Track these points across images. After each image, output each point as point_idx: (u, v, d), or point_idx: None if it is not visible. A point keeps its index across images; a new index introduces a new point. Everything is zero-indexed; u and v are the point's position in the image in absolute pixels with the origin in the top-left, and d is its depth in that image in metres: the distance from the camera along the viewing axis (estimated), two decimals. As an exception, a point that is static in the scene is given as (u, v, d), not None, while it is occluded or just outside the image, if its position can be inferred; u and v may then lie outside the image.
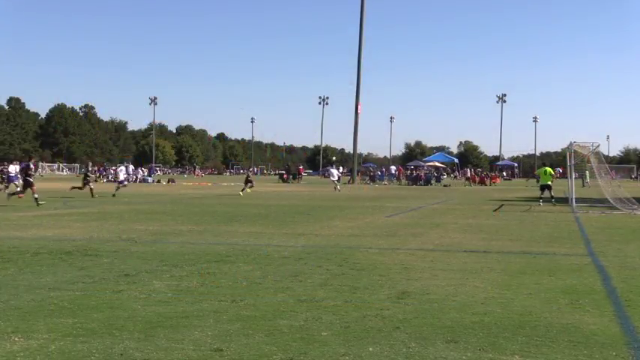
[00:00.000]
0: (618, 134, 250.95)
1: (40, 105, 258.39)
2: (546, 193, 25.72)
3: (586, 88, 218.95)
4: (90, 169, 28.74)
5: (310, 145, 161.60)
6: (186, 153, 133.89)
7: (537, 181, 60.86)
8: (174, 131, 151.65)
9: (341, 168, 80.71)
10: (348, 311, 6.30)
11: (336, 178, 43.32)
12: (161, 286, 7.48)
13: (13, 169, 31.86)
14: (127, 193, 32.27)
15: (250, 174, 37.64)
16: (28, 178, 22.01)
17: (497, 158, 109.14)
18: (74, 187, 28.99)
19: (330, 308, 6.42)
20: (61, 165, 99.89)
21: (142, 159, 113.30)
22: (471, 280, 8.07)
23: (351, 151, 72.22)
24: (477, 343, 5.24)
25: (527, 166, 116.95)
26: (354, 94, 63.88)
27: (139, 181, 57.00)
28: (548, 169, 26.58)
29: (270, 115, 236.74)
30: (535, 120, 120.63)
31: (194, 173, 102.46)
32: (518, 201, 29.12)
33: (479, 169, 77.39)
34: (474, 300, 6.88)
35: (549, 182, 25.66)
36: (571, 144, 25.50)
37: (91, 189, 28.30)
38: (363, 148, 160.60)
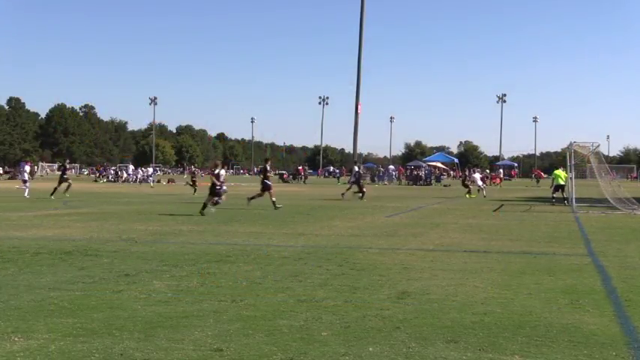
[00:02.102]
0: (618, 134, 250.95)
1: (40, 105, 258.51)
2: (558, 194, 26.66)
3: (586, 88, 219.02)
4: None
5: (310, 145, 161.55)
6: (187, 153, 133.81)
7: (537, 182, 60.83)
8: (175, 131, 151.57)
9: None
10: (348, 311, 6.30)
11: (481, 183, 36.09)
12: (161, 286, 7.48)
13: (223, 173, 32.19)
14: (127, 192, 32.28)
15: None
16: (267, 181, 21.94)
17: (497, 158, 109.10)
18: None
19: (330, 308, 6.43)
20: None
21: (142, 159, 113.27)
22: (471, 280, 8.07)
23: (351, 151, 72.21)
24: (477, 343, 5.24)
25: (528, 166, 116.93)
26: (354, 94, 63.81)
27: (139, 182, 56.97)
28: (564, 173, 27.30)
29: (270, 115, 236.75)
30: (535, 120, 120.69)
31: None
32: (518, 201, 29.14)
33: (479, 169, 77.06)
34: (474, 300, 6.88)
35: (563, 183, 26.68)
36: (571, 144, 25.52)
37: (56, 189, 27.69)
38: (363, 148, 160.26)
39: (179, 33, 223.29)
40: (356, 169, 31.72)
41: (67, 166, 29.13)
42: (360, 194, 28.41)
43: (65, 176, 27.65)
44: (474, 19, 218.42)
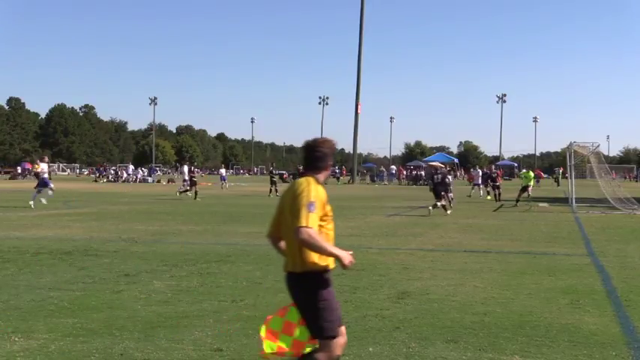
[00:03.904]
0: (618, 134, 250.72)
1: (40, 105, 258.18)
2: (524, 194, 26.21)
3: (586, 89, 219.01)
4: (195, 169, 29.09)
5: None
6: (186, 153, 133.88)
7: (538, 182, 60.67)
8: (174, 131, 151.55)
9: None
10: (348, 311, 6.30)
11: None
12: (161, 286, 7.48)
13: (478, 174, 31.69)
14: (127, 192, 32.29)
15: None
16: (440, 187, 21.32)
17: (497, 158, 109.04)
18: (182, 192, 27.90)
19: (330, 308, 6.42)
20: (61, 165, 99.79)
21: (142, 159, 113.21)
22: (471, 280, 8.07)
23: (351, 151, 72.20)
24: (477, 343, 5.24)
25: (527, 166, 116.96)
26: (354, 94, 63.92)
27: (139, 181, 57.00)
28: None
29: (270, 115, 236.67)
30: (535, 120, 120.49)
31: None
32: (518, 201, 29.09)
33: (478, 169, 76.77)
34: (474, 300, 6.88)
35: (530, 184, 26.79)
36: (571, 144, 25.48)
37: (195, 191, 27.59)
38: (363, 148, 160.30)
39: (179, 33, 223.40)
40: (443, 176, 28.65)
41: (195, 170, 29.01)
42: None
43: (194, 179, 28.04)
44: (474, 20, 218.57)
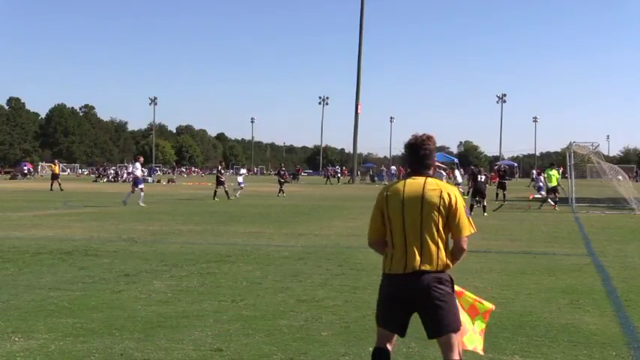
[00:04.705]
0: (618, 134, 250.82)
1: (40, 105, 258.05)
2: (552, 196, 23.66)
3: (586, 88, 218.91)
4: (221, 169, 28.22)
5: (310, 145, 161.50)
6: (186, 153, 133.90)
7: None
8: (174, 131, 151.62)
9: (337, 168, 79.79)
10: (348, 311, 6.31)
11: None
12: (161, 286, 7.48)
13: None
14: (127, 193, 32.21)
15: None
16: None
17: (497, 158, 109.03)
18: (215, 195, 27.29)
19: (330, 308, 6.43)
20: (61, 165, 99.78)
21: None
22: (471, 280, 8.07)
23: (351, 151, 72.23)
24: (476, 343, 5.24)
25: (528, 165, 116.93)
26: (354, 94, 63.92)
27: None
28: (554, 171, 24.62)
29: (270, 115, 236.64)
30: (535, 120, 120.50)
31: (188, 173, 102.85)
32: (519, 201, 29.10)
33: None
34: (473, 300, 6.88)
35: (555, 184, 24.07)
36: (571, 144, 25.46)
37: (225, 191, 27.26)
38: (363, 148, 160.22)
39: (179, 33, 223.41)
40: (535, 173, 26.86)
41: (222, 171, 28.37)
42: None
43: (222, 179, 27.39)
44: (473, 19, 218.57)
